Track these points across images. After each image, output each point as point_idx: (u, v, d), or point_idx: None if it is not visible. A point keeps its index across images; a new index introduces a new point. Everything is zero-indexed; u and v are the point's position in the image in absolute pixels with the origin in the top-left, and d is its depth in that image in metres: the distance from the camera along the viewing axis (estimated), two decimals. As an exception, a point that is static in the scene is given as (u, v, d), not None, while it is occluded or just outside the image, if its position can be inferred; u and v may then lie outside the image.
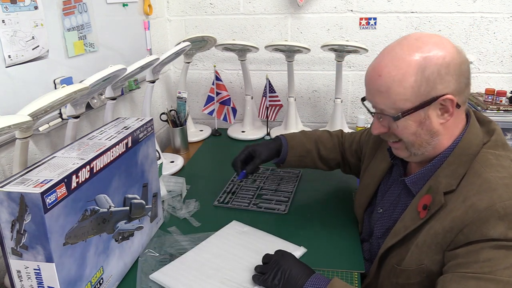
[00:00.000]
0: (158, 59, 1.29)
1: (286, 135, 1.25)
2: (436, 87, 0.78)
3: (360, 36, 1.79)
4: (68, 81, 1.19)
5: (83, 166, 0.75)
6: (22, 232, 0.68)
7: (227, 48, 1.75)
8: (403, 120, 0.81)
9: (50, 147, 1.17)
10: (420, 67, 0.78)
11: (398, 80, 0.79)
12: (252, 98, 1.87)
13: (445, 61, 0.77)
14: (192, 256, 0.99)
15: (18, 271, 0.71)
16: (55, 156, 0.79)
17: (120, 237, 0.91)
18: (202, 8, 1.88)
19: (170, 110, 1.69)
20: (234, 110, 1.86)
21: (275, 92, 1.77)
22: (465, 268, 0.72)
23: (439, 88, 0.78)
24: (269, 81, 1.74)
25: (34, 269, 0.70)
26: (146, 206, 1.04)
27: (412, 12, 1.73)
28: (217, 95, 1.81)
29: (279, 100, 1.78)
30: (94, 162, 0.79)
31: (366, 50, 1.54)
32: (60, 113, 1.17)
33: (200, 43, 1.74)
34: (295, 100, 1.81)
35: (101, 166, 0.82)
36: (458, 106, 0.80)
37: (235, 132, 1.85)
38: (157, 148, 1.37)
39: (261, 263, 0.93)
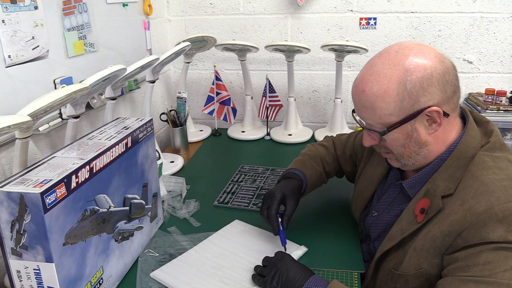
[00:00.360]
0: (158, 59, 1.29)
1: (298, 165, 1.14)
2: (419, 100, 0.77)
3: (360, 36, 1.79)
4: (68, 81, 1.19)
5: (83, 166, 0.75)
6: (22, 232, 0.68)
7: (227, 48, 1.75)
8: (391, 134, 0.82)
9: (50, 147, 1.17)
10: (401, 81, 0.77)
11: (380, 95, 0.79)
12: (252, 98, 1.87)
13: (426, 73, 0.77)
14: (193, 255, 0.99)
15: (18, 271, 0.71)
16: (55, 156, 0.79)
17: (120, 237, 0.91)
18: (202, 8, 1.88)
19: (170, 110, 1.69)
20: (234, 110, 1.86)
21: (275, 92, 1.77)
22: (464, 271, 0.71)
23: (422, 101, 0.77)
24: (269, 81, 1.74)
25: (34, 269, 0.70)
26: (146, 206, 1.04)
27: (412, 12, 1.73)
28: (217, 95, 1.81)
29: (279, 100, 1.78)
30: (94, 162, 0.79)
31: (366, 50, 1.54)
32: (60, 113, 1.17)
33: (200, 43, 1.74)
34: (295, 100, 1.81)
35: (101, 166, 0.82)
36: (446, 115, 0.79)
37: (235, 132, 1.85)
38: (157, 148, 1.37)
39: (261, 263, 0.93)
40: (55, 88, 1.14)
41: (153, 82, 1.40)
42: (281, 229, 1.00)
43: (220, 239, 1.06)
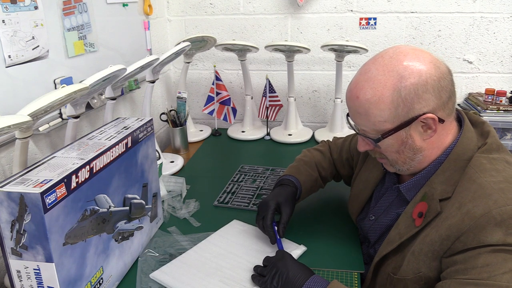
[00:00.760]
0: (158, 59, 1.29)
1: (292, 171, 1.14)
2: (414, 107, 0.77)
3: (360, 36, 1.79)
4: (68, 81, 1.19)
5: (83, 166, 0.76)
6: (21, 232, 0.68)
7: (227, 48, 1.75)
8: (385, 141, 0.81)
9: (50, 147, 1.17)
10: (396, 88, 0.76)
11: (374, 102, 0.78)
12: (252, 98, 1.87)
13: (421, 79, 0.76)
14: (192, 255, 0.99)
15: (18, 271, 0.71)
16: (55, 156, 0.79)
17: (120, 237, 0.91)
18: (202, 8, 1.88)
19: (170, 110, 1.69)
20: (234, 110, 1.86)
21: (275, 92, 1.77)
22: (463, 274, 0.71)
23: (417, 108, 0.77)
24: (269, 81, 1.74)
25: (34, 269, 0.70)
26: (146, 206, 1.04)
27: (412, 12, 1.73)
28: (217, 95, 1.81)
29: (279, 100, 1.78)
30: (94, 162, 0.79)
31: (366, 50, 1.54)
32: (60, 113, 1.17)
33: (200, 43, 1.74)
34: (295, 100, 1.81)
35: (101, 166, 0.82)
36: (441, 121, 0.79)
37: (235, 132, 1.85)
38: (157, 148, 1.37)
39: (261, 263, 0.93)
40: (55, 88, 1.14)
41: (153, 82, 1.40)
42: (278, 237, 1.00)
43: (219, 239, 1.06)
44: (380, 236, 0.95)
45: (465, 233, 0.72)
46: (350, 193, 1.11)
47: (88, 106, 1.19)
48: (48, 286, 0.71)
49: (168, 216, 1.19)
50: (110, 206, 0.86)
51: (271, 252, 0.99)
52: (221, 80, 1.81)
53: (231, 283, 0.90)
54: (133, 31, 1.61)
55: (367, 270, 0.95)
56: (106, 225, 0.85)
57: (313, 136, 1.80)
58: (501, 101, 1.62)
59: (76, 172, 0.73)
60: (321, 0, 1.77)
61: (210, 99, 1.84)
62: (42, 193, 0.65)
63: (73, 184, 0.73)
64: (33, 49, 1.05)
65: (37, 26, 1.06)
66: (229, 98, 1.82)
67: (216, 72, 1.79)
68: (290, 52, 1.67)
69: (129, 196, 0.95)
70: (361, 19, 1.77)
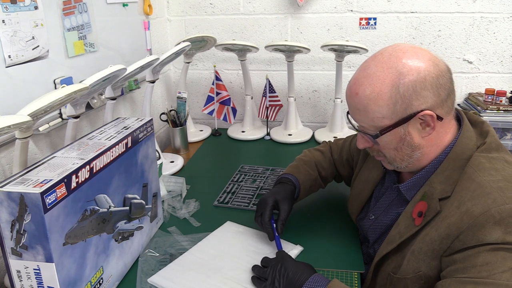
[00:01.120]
0: (158, 59, 1.29)
1: (292, 170, 1.15)
2: (412, 104, 0.77)
3: (360, 36, 1.79)
4: (68, 81, 1.19)
5: (83, 166, 0.76)
6: (22, 232, 0.68)
7: (227, 48, 1.75)
8: (383, 137, 0.82)
9: (50, 147, 1.17)
10: (394, 84, 0.77)
11: (373, 98, 0.79)
12: (252, 98, 1.87)
13: (420, 76, 0.76)
14: (189, 258, 0.99)
15: (18, 271, 0.71)
16: (55, 156, 0.79)
17: (120, 237, 0.91)
18: (202, 8, 1.88)
19: (170, 110, 1.69)
20: (234, 110, 1.86)
21: (275, 92, 1.77)
22: (463, 273, 0.71)
23: (415, 104, 0.77)
24: (269, 81, 1.74)
25: (34, 269, 0.70)
26: (146, 206, 1.04)
27: (412, 12, 1.73)
28: (217, 95, 1.81)
29: (279, 100, 1.78)
30: (94, 162, 0.79)
31: (366, 50, 1.54)
32: (60, 113, 1.17)
33: (200, 43, 1.74)
34: (295, 100, 1.81)
35: (101, 166, 0.82)
36: (440, 118, 0.79)
37: (235, 132, 1.85)
38: (157, 148, 1.37)
39: (259, 263, 0.93)
40: (55, 88, 1.14)
41: (153, 82, 1.40)
42: (276, 234, 1.00)
43: (214, 241, 1.05)
44: (379, 236, 0.95)
45: (464, 231, 0.72)
46: (350, 192, 1.12)
47: (88, 106, 1.19)
48: (48, 286, 0.71)
49: (168, 216, 1.19)
50: (110, 206, 0.86)
51: (268, 252, 0.99)
52: (221, 80, 1.81)
53: (231, 283, 0.90)
54: (133, 31, 1.61)
55: (367, 270, 0.95)
56: (106, 225, 0.85)
57: (313, 136, 1.80)
58: (501, 101, 1.62)
59: (76, 172, 0.73)
60: (321, 0, 1.77)
61: (210, 99, 1.84)
62: (42, 193, 0.65)
63: (73, 184, 0.73)
64: (33, 49, 1.05)
65: (37, 26, 1.06)
66: (229, 98, 1.82)
67: (216, 72, 1.79)
68: (290, 52, 1.67)
69: (129, 196, 0.95)
70: (361, 19, 1.77)
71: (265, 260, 0.93)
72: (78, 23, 1.23)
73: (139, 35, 1.66)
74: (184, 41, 1.53)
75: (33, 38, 1.05)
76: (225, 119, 1.85)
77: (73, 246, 0.74)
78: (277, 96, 1.77)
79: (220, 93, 1.81)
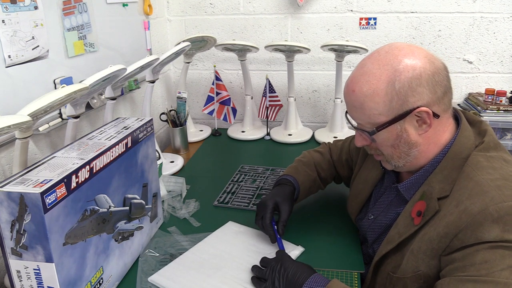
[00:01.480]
0: (158, 59, 1.29)
1: (291, 171, 1.15)
2: (408, 100, 0.78)
3: (360, 36, 1.79)
4: (68, 81, 1.19)
5: (83, 166, 0.75)
6: (21, 232, 0.68)
7: (227, 48, 1.75)
8: (380, 134, 0.82)
9: (50, 147, 1.17)
10: (390, 81, 0.78)
11: (369, 95, 0.80)
12: (252, 98, 1.87)
13: (415, 73, 0.77)
14: (190, 257, 0.99)
15: (18, 271, 0.71)
16: (55, 156, 0.79)
17: (120, 237, 0.91)
18: (202, 8, 1.88)
19: (170, 110, 1.69)
20: (234, 110, 1.86)
21: (275, 92, 1.77)
22: (462, 271, 0.71)
23: (411, 101, 0.78)
24: (269, 81, 1.74)
25: (34, 269, 0.70)
26: (146, 206, 1.04)
27: (412, 12, 1.73)
28: (217, 95, 1.81)
29: (279, 100, 1.78)
30: (94, 162, 0.79)
31: (366, 50, 1.54)
32: (60, 113, 1.17)
33: (200, 43, 1.74)
34: (295, 100, 1.81)
35: (101, 166, 0.82)
36: (436, 116, 0.79)
37: (235, 132, 1.85)
38: (157, 148, 1.37)
39: (258, 263, 0.93)
40: (55, 88, 1.14)
41: (153, 82, 1.40)
42: (278, 236, 1.01)
43: (215, 241, 1.05)
44: (379, 236, 0.95)
45: (463, 230, 0.72)
46: (349, 192, 1.12)
47: (88, 106, 1.19)
48: (48, 286, 0.71)
49: (168, 216, 1.19)
50: (110, 206, 0.86)
51: (269, 251, 0.99)
52: (221, 80, 1.81)
53: (232, 283, 0.90)
54: (133, 31, 1.61)
55: (367, 270, 0.95)
56: (106, 225, 0.85)
57: (313, 136, 1.80)
58: (501, 101, 1.62)
59: (76, 172, 0.73)
60: (321, 0, 1.77)
61: (210, 99, 1.84)
62: (42, 193, 0.65)
63: (73, 184, 0.73)
64: (33, 49, 1.05)
65: (37, 26, 1.06)
66: (229, 98, 1.82)
67: (216, 72, 1.79)
68: (290, 52, 1.67)
69: (129, 196, 0.95)
70: (361, 19, 1.77)
71: (264, 260, 0.93)
72: (78, 23, 1.23)
73: (139, 35, 1.66)
74: (184, 41, 1.53)
75: (33, 38, 1.05)
76: (225, 119, 1.85)
77: (73, 246, 0.74)
78: (277, 96, 1.77)
79: (220, 93, 1.81)
